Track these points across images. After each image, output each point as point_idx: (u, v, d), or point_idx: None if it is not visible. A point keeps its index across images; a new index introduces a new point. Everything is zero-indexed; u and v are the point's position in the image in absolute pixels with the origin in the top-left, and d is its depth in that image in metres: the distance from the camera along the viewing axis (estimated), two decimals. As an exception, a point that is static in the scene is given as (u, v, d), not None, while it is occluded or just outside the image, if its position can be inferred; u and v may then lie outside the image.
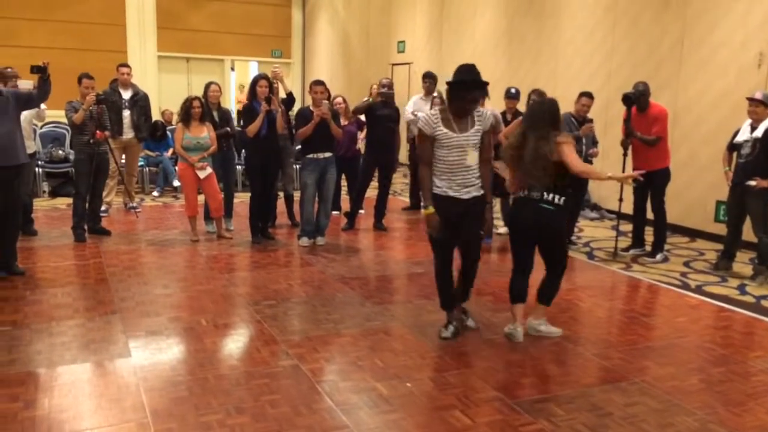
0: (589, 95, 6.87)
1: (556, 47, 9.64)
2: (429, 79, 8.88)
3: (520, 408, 3.44)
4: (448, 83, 4.28)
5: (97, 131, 6.77)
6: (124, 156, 8.45)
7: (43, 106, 7.17)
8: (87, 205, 6.94)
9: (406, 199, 9.56)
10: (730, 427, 3.30)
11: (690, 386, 3.77)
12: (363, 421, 3.27)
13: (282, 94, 7.15)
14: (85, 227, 6.94)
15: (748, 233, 6.18)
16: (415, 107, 8.93)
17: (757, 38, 6.96)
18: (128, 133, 8.25)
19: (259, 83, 6.60)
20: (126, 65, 8.45)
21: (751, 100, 5.82)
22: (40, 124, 9.45)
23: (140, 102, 8.33)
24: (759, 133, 5.76)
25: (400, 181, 11.37)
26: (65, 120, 7.16)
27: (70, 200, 7.46)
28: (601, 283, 5.88)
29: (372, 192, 8.05)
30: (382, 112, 7.54)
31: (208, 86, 7.33)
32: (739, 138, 5.96)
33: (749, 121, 5.90)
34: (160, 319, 4.63)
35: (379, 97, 7.54)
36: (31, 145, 7.12)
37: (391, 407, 3.42)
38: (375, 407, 3.42)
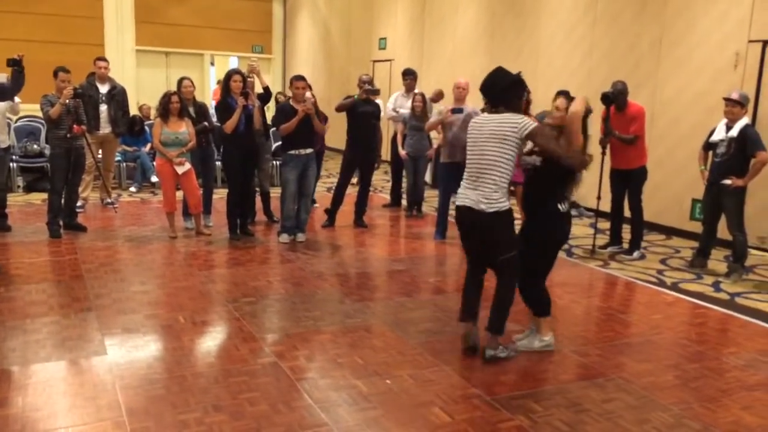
0: (566, 94, 6.89)
1: (537, 45, 9.69)
2: (409, 76, 8.90)
3: (498, 404, 3.46)
4: (520, 80, 4.02)
5: (74, 125, 6.68)
6: (100, 151, 8.34)
7: (17, 99, 7.05)
8: (63, 200, 6.84)
9: (386, 196, 9.55)
10: (704, 423, 3.35)
11: (666, 382, 3.82)
12: (342, 419, 3.27)
13: (259, 89, 7.10)
14: (61, 223, 6.84)
15: (723, 231, 6.27)
16: (396, 104, 8.95)
17: (733, 39, 7.05)
18: (105, 128, 8.14)
19: (232, 78, 6.54)
20: (103, 59, 8.33)
21: (728, 100, 5.89)
22: (14, 117, 9.29)
23: (118, 96, 8.22)
24: (734, 132, 5.84)
25: (381, 178, 11.36)
26: (40, 114, 7.04)
27: (45, 195, 7.36)
28: (579, 281, 5.93)
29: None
30: (363, 109, 7.52)
31: (180, 81, 7.26)
32: (715, 137, 6.04)
33: (725, 120, 5.97)
34: (137, 316, 4.58)
35: (365, 94, 7.51)
36: (5, 140, 7.00)
37: (371, 404, 3.42)
38: (354, 405, 3.42)
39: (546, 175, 3.96)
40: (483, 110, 7.61)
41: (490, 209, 3.84)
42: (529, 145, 4.02)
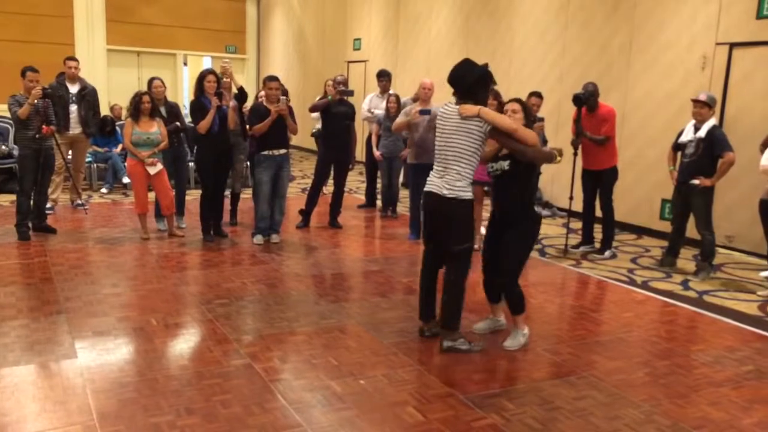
0: (538, 95, 7.00)
1: (510, 47, 9.77)
2: (384, 77, 8.92)
3: (471, 403, 3.49)
4: (487, 73, 4.16)
5: (44, 126, 6.57)
6: (70, 152, 8.22)
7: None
8: (32, 202, 6.73)
9: (361, 197, 9.55)
10: (673, 419, 3.41)
11: (636, 379, 3.88)
12: (316, 420, 3.26)
13: (234, 89, 7.05)
14: (30, 225, 6.72)
15: (691, 230, 6.39)
16: (371, 105, 8.96)
17: (701, 42, 7.19)
18: (75, 129, 8.03)
19: (206, 78, 6.48)
20: (73, 59, 8.22)
21: (696, 101, 6.00)
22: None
23: (88, 96, 8.12)
24: (702, 133, 5.95)
25: (356, 178, 11.36)
26: (8, 114, 6.92)
27: (13, 197, 7.22)
28: (552, 280, 5.99)
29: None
30: (338, 109, 7.51)
31: (151, 81, 7.20)
32: (684, 138, 6.15)
33: (693, 121, 6.08)
34: (108, 319, 4.52)
35: (338, 95, 7.50)
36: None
37: (345, 405, 3.42)
38: (328, 405, 3.42)
39: (515, 178, 4.13)
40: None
41: (450, 195, 4.03)
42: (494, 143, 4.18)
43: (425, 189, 4.22)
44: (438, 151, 4.16)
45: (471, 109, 3.99)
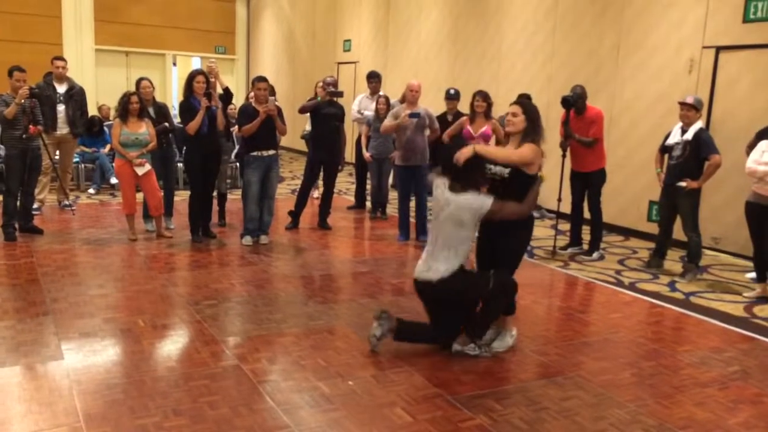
0: (527, 97, 7.02)
1: (499, 49, 9.81)
2: (374, 78, 8.93)
3: (459, 404, 3.50)
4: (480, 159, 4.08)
5: (31, 126, 6.53)
6: (58, 152, 8.17)
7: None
8: (18, 202, 6.68)
9: (350, 198, 9.56)
10: (659, 419, 3.43)
11: (622, 380, 3.90)
12: (304, 421, 3.26)
13: (219, 90, 7.04)
14: (16, 226, 6.67)
15: (678, 232, 6.43)
16: (360, 106, 8.96)
17: (688, 45, 7.25)
18: (63, 129, 7.99)
19: (196, 79, 6.46)
20: (61, 58, 8.17)
21: (683, 104, 6.05)
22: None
23: (76, 96, 8.07)
24: (689, 135, 5.99)
25: (346, 180, 11.36)
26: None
27: None
28: (540, 281, 6.02)
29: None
30: (327, 110, 7.51)
31: (139, 82, 7.18)
32: (671, 140, 6.19)
33: (680, 124, 6.13)
34: (95, 320, 4.50)
35: (328, 96, 7.50)
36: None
37: (333, 406, 3.42)
38: (316, 406, 3.41)
39: (513, 184, 4.08)
40: (444, 114, 7.70)
41: (435, 277, 3.98)
42: (492, 142, 4.15)
43: (414, 276, 4.15)
44: (430, 234, 4.15)
45: (465, 153, 3.95)
